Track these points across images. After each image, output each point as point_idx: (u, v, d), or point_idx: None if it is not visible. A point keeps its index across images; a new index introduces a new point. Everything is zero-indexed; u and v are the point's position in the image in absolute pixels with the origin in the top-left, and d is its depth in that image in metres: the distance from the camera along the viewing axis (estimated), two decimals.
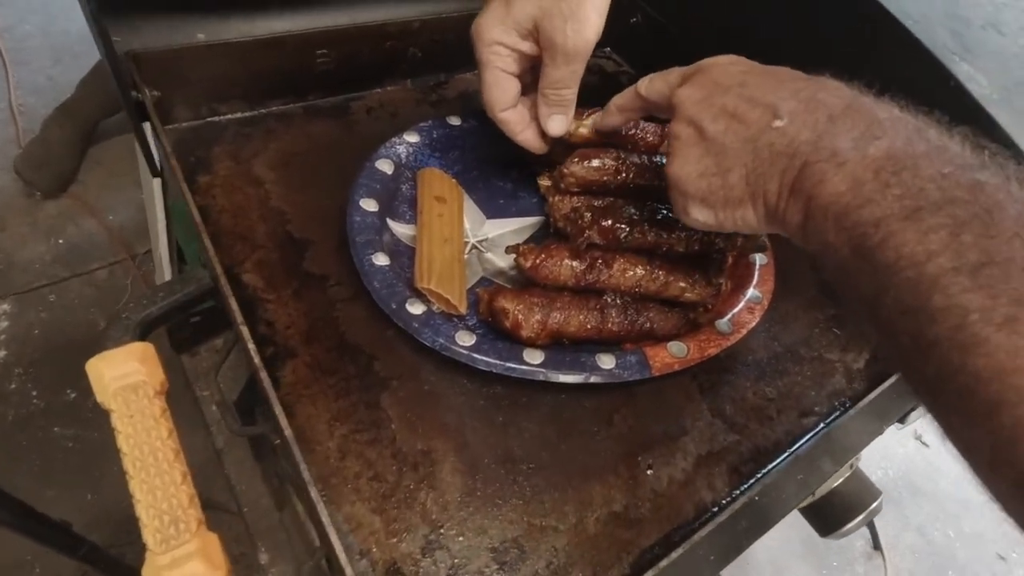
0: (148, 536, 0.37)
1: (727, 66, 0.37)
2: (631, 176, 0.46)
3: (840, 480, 0.59)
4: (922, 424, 0.58)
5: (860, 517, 0.60)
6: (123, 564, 0.84)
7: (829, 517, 0.62)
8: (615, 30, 0.72)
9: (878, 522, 1.30)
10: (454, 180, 0.52)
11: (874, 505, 0.61)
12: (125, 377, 0.42)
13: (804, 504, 0.60)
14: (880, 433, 0.51)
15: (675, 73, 0.40)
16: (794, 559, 1.33)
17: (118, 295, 1.36)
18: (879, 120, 0.29)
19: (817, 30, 0.54)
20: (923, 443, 1.49)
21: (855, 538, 1.34)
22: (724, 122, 0.34)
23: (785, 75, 0.34)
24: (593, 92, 0.69)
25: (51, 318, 1.31)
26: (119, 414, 0.41)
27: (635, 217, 0.45)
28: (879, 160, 0.28)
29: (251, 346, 0.35)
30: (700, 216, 0.36)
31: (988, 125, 0.47)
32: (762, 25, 0.60)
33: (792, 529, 1.36)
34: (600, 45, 0.73)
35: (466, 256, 0.49)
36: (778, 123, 0.32)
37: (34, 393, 1.22)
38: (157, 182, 0.95)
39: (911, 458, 1.48)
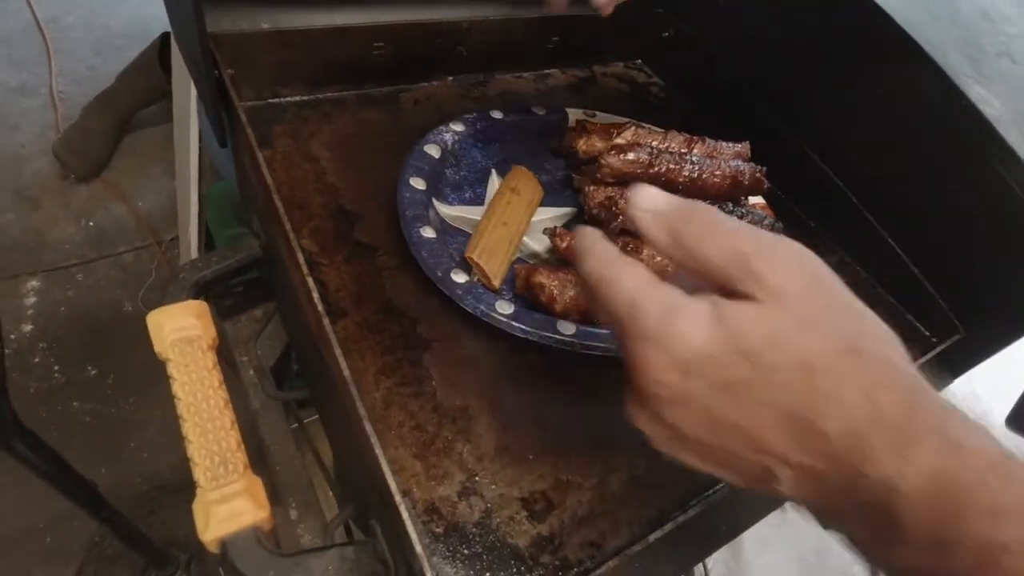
0: (199, 474, 0.40)
1: (686, 396, 0.26)
2: (664, 170, 0.50)
3: None
4: None
5: None
6: (140, 532, 0.86)
7: None
8: (648, 43, 0.77)
9: None
10: (538, 181, 0.55)
11: None
12: (182, 330, 0.45)
13: None
14: None
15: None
16: None
17: (143, 278, 1.40)
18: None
19: (842, 46, 0.58)
20: None
21: (852, 558, 1.35)
22: (710, 466, 0.27)
23: (767, 409, 0.24)
24: (624, 100, 0.73)
25: (77, 297, 1.35)
26: (175, 363, 0.44)
27: None
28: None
29: (315, 295, 0.38)
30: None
31: (999, 144, 0.50)
32: (790, 44, 0.64)
33: (793, 549, 1.37)
34: (632, 56, 0.78)
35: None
36: (779, 487, 0.25)
37: (56, 368, 1.25)
38: (194, 171, 0.99)
39: None
